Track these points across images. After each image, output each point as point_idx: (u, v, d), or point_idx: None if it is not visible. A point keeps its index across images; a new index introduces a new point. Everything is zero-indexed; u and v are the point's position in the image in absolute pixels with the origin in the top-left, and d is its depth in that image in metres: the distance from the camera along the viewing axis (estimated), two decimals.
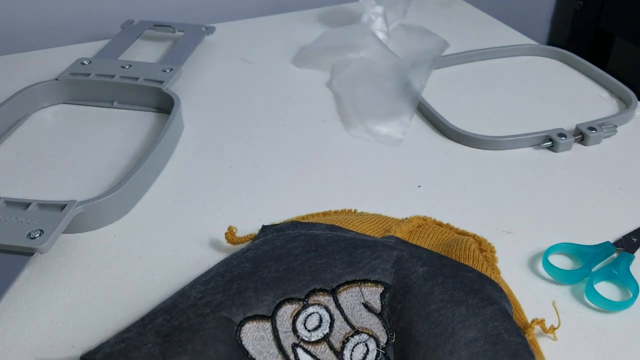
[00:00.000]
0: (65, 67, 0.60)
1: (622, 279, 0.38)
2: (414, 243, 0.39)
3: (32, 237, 0.37)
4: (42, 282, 0.39)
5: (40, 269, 0.39)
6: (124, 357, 0.29)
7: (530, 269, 0.40)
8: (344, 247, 0.35)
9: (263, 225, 0.40)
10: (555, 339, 0.35)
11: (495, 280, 0.35)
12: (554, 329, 0.34)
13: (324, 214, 0.43)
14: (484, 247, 0.40)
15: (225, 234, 0.40)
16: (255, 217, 0.44)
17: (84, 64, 0.60)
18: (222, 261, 0.36)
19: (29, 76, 0.61)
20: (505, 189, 0.48)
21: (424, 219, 0.43)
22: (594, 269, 0.39)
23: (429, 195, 0.47)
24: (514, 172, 0.50)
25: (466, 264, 0.36)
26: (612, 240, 0.41)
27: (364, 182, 0.48)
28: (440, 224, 0.43)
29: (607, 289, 0.38)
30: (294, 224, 0.40)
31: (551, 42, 1.17)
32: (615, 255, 0.41)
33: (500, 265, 0.40)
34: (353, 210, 0.44)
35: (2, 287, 0.35)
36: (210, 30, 0.70)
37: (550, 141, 0.52)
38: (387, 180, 0.49)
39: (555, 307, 0.36)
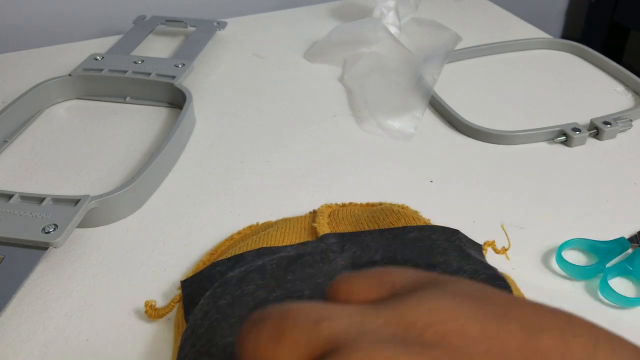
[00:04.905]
0: (78, 62, 0.60)
1: (637, 275, 0.38)
2: (341, 230, 0.39)
3: (46, 231, 0.38)
4: (57, 276, 0.39)
5: (54, 263, 0.40)
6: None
7: (543, 265, 0.40)
8: (301, 269, 0.33)
9: (181, 281, 0.36)
10: (507, 258, 0.39)
11: (426, 223, 0.39)
12: (505, 249, 0.39)
13: (230, 239, 0.41)
14: (402, 206, 0.42)
15: (145, 311, 0.35)
16: (267, 212, 0.44)
17: (96, 59, 0.60)
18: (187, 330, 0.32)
19: (42, 72, 0.62)
20: (518, 184, 0.47)
21: (328, 206, 0.43)
22: (608, 265, 0.39)
23: (440, 190, 0.47)
24: (528, 167, 0.49)
25: (399, 225, 0.38)
26: (627, 236, 0.41)
27: (376, 177, 0.48)
28: (343, 205, 0.44)
29: (621, 285, 0.38)
30: (214, 265, 0.35)
31: (566, 35, 1.15)
32: (630, 251, 0.40)
33: (513, 260, 0.39)
34: (256, 224, 0.42)
35: (17, 280, 0.35)
36: (222, 25, 0.71)
37: (565, 136, 0.52)
38: (399, 175, 0.48)
39: (503, 229, 0.41)
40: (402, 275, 0.19)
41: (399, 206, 0.42)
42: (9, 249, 0.37)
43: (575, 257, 0.40)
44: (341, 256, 0.34)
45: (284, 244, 0.37)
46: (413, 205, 0.44)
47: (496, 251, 0.38)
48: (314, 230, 0.39)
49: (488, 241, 0.39)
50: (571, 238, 0.41)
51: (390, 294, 0.19)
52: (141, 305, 0.36)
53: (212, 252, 0.40)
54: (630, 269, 0.38)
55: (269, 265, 0.34)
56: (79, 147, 0.52)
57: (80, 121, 0.56)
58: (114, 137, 0.54)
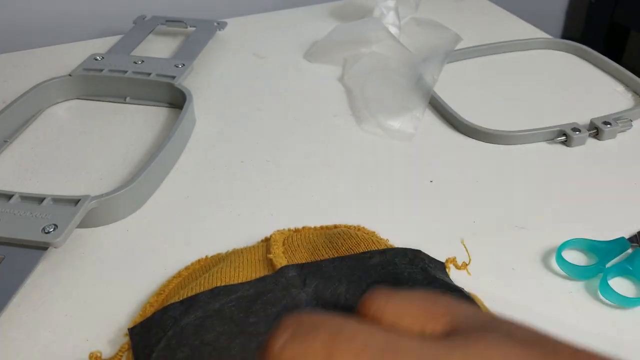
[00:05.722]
0: (79, 62, 0.60)
1: (637, 275, 0.38)
2: (298, 259, 0.37)
3: (46, 231, 0.38)
4: (56, 276, 0.39)
5: (54, 263, 0.40)
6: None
7: (543, 265, 0.40)
8: (263, 309, 0.31)
9: (129, 329, 0.33)
10: (469, 274, 0.38)
11: (386, 245, 0.37)
12: (466, 265, 0.38)
13: (178, 276, 0.38)
14: (359, 228, 0.41)
15: None
16: (267, 212, 0.44)
17: (97, 59, 0.60)
18: None
19: (42, 72, 0.62)
20: (518, 184, 0.47)
21: (281, 232, 0.40)
22: (608, 265, 0.39)
23: (441, 190, 0.47)
24: (527, 167, 0.49)
25: (359, 250, 0.36)
26: (626, 236, 0.41)
27: (376, 177, 0.48)
28: (297, 230, 0.41)
29: (621, 285, 0.38)
30: (165, 310, 0.32)
31: (566, 35, 1.15)
32: (630, 251, 0.40)
33: (513, 260, 0.39)
34: (205, 258, 0.40)
35: (17, 281, 0.36)
36: (222, 25, 0.71)
37: (564, 136, 0.52)
38: (399, 175, 0.48)
39: (463, 244, 0.40)
40: (458, 309, 0.19)
41: (355, 228, 0.41)
42: (9, 249, 0.37)
43: (575, 257, 0.40)
44: (304, 290, 0.32)
45: (240, 281, 0.34)
46: (413, 205, 0.44)
47: (457, 267, 0.38)
48: (270, 262, 0.36)
49: (449, 258, 0.38)
50: (571, 238, 0.41)
51: (451, 328, 0.18)
52: (141, 305, 0.36)
53: (159, 293, 0.37)
54: (630, 269, 0.38)
55: (227, 308, 0.31)
56: (79, 147, 0.52)
57: (81, 121, 0.56)
58: (114, 137, 0.54)
